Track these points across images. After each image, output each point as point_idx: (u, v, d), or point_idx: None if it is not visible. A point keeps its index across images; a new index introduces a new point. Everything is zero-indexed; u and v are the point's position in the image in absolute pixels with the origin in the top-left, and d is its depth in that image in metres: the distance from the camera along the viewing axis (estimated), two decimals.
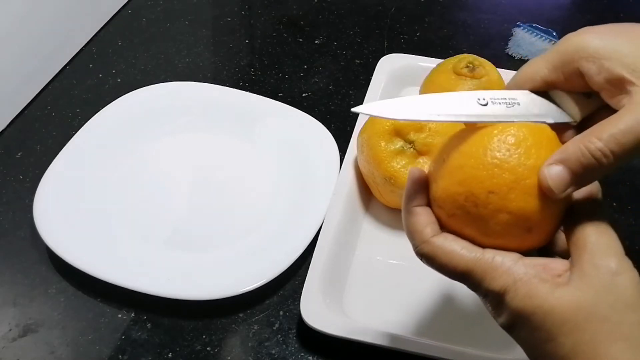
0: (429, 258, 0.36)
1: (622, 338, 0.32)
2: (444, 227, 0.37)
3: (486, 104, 0.37)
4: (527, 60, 0.76)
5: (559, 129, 0.38)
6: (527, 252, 0.36)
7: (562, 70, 0.37)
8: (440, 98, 0.37)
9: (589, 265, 0.33)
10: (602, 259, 0.33)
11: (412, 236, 0.37)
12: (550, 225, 0.36)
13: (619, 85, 0.35)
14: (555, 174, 0.34)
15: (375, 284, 0.54)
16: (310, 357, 0.50)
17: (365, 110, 0.37)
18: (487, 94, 0.38)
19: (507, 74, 0.64)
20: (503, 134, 0.36)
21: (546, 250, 0.38)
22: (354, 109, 0.37)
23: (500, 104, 0.38)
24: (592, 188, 0.37)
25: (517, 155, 0.35)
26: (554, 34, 0.77)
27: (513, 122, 0.37)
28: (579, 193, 0.36)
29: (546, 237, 0.37)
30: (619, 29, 0.37)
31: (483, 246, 0.36)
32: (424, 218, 0.37)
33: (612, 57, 0.35)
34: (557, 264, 0.35)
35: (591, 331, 0.32)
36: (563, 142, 0.38)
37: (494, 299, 0.35)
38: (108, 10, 0.82)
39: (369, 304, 0.52)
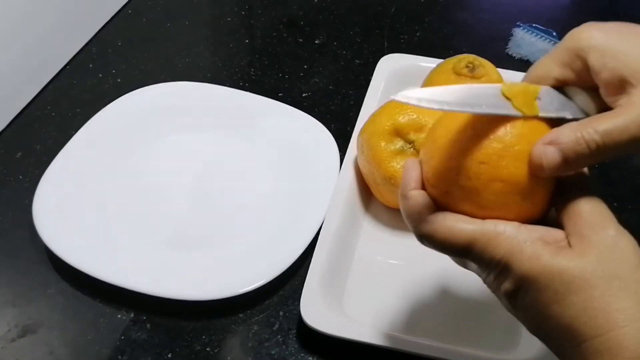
0: (429, 236, 0.36)
1: (632, 294, 0.32)
2: (440, 207, 0.37)
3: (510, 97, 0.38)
4: (527, 60, 0.77)
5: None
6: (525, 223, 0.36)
7: (572, 66, 0.38)
8: (468, 89, 0.37)
9: (588, 231, 0.34)
10: (599, 225, 0.34)
11: (410, 218, 0.37)
12: (544, 192, 0.36)
13: (619, 85, 0.35)
14: (550, 153, 0.35)
15: (375, 284, 0.54)
16: (310, 357, 0.50)
17: (402, 99, 0.37)
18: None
19: (507, 74, 0.64)
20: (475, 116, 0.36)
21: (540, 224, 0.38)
22: (393, 97, 0.37)
23: None
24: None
25: (503, 125, 0.36)
26: (554, 34, 0.77)
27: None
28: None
29: (542, 205, 0.37)
30: (624, 29, 0.37)
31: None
32: (420, 199, 0.37)
33: (617, 56, 0.35)
34: (556, 232, 0.35)
35: (602, 287, 0.32)
36: None
37: (498, 265, 0.35)
38: (108, 10, 0.82)
39: (369, 304, 0.52)
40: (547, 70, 0.38)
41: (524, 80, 0.40)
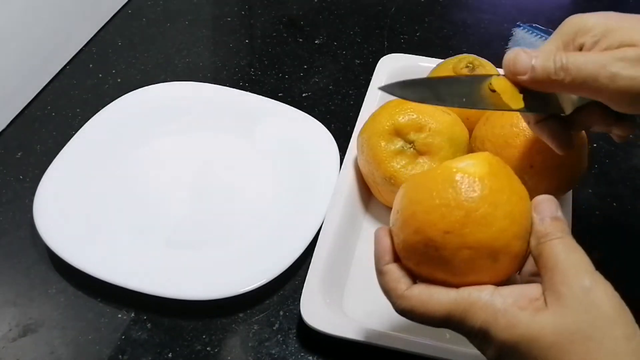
0: (408, 312, 0.37)
1: (608, 354, 0.32)
2: (417, 278, 0.38)
3: (495, 90, 0.40)
4: None
5: (548, 117, 0.41)
6: (502, 283, 0.36)
7: (566, 50, 0.40)
8: (456, 81, 0.41)
9: (563, 286, 0.34)
10: (574, 277, 0.34)
11: (388, 295, 0.38)
12: (515, 248, 0.36)
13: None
14: (523, 57, 0.39)
15: (375, 284, 0.54)
16: (310, 357, 0.50)
17: (389, 90, 0.41)
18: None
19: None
20: (445, 174, 0.37)
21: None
22: (380, 88, 0.41)
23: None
24: (554, 209, 0.37)
25: (462, 191, 0.36)
26: None
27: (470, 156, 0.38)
28: (541, 214, 0.37)
29: (515, 262, 0.37)
30: (618, 14, 0.39)
31: (458, 287, 0.36)
32: (395, 274, 0.38)
33: (609, 31, 0.38)
34: (532, 289, 0.35)
35: (577, 352, 0.32)
36: (559, 142, 0.42)
37: (478, 335, 0.35)
38: (108, 10, 0.82)
39: (369, 304, 0.52)
40: (550, 49, 0.40)
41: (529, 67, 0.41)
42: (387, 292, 0.38)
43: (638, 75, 0.36)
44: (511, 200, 0.36)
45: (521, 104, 0.40)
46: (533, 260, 0.36)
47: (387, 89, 0.41)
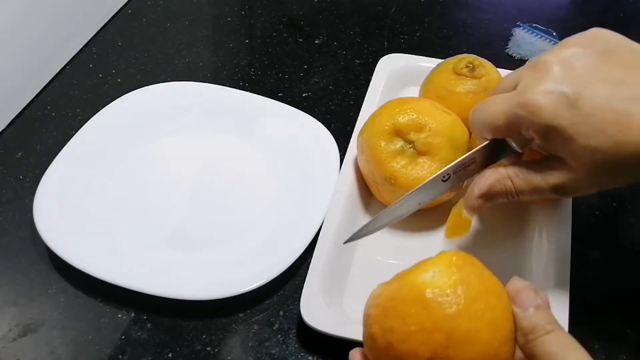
0: None
1: None
2: None
3: (448, 178, 0.48)
4: (527, 60, 0.76)
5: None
6: None
7: (515, 130, 0.45)
8: (415, 194, 0.48)
9: None
10: None
11: None
12: (504, 355, 0.34)
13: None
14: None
15: (375, 284, 0.54)
16: (310, 357, 0.50)
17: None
18: (449, 168, 0.48)
19: (507, 74, 0.64)
20: (414, 293, 0.35)
21: None
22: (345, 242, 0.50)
23: (461, 170, 0.48)
24: (533, 297, 0.36)
25: (437, 310, 0.34)
26: (554, 34, 0.77)
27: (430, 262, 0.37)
28: (522, 306, 0.35)
29: None
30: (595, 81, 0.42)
31: None
32: None
33: (558, 140, 0.42)
34: None
35: None
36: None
37: None
38: (108, 10, 0.82)
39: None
40: (493, 121, 0.46)
41: (474, 120, 0.48)
42: None
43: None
44: (489, 304, 0.34)
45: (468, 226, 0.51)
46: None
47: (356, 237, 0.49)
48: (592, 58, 0.42)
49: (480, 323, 0.33)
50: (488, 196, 0.46)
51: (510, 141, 0.47)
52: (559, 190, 0.44)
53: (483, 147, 0.48)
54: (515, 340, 0.35)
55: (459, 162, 0.48)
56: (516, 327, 0.35)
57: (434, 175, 0.48)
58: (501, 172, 0.46)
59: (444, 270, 0.35)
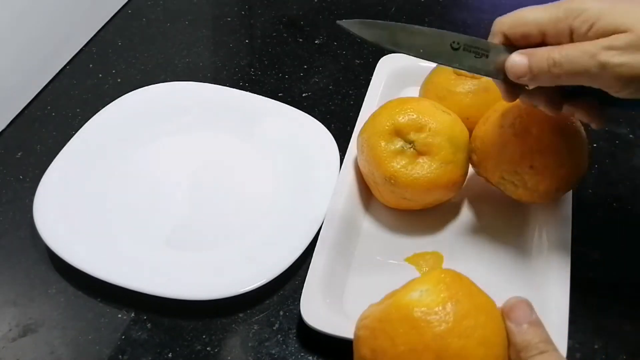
0: None
1: None
2: None
3: (458, 49, 0.43)
4: None
5: (512, 84, 0.43)
6: None
7: (557, 24, 0.41)
8: (419, 31, 0.42)
9: None
10: None
11: None
12: None
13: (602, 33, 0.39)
14: (519, 60, 0.41)
15: (375, 284, 0.54)
16: (310, 357, 0.50)
17: (347, 25, 0.42)
18: (463, 39, 0.43)
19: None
20: (402, 312, 0.34)
21: None
22: (339, 22, 0.42)
23: (470, 51, 0.43)
24: (528, 313, 0.35)
25: (425, 330, 0.33)
26: None
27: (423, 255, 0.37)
28: (516, 321, 0.35)
29: None
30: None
31: None
32: None
33: (602, 14, 0.39)
34: None
35: None
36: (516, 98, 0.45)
37: None
38: (108, 10, 0.82)
39: (369, 304, 0.52)
40: (537, 17, 0.42)
41: (508, 16, 0.44)
42: None
43: (626, 61, 0.38)
44: (479, 321, 0.33)
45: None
46: None
47: (347, 24, 0.41)
48: None
49: (471, 341, 0.33)
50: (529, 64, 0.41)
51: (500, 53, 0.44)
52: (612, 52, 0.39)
53: (499, 45, 0.44)
54: (509, 358, 0.34)
55: (473, 38, 0.44)
56: (509, 343, 0.34)
57: (443, 32, 0.43)
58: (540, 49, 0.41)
59: (431, 289, 0.34)
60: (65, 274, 0.54)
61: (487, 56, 0.43)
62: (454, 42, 0.42)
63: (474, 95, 0.61)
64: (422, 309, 0.33)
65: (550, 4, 0.42)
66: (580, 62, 0.39)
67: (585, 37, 0.40)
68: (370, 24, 0.41)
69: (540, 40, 0.42)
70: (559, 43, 0.41)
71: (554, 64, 0.40)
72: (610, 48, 0.38)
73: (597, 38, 0.39)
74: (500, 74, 0.44)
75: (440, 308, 0.33)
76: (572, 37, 0.41)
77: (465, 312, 0.33)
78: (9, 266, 0.56)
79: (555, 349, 0.34)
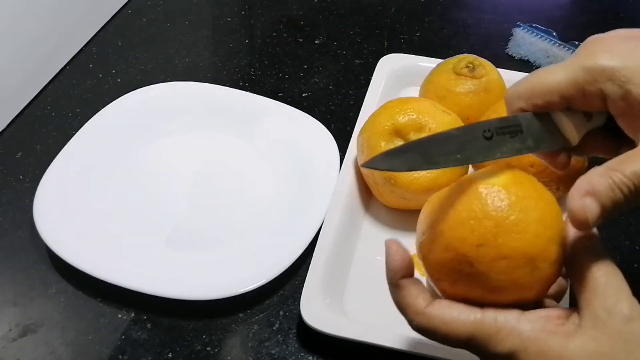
0: (427, 330, 0.35)
1: None
2: (450, 298, 0.36)
3: (491, 137, 0.37)
4: (527, 60, 0.77)
5: (554, 154, 0.38)
6: (542, 295, 0.35)
7: (585, 88, 0.35)
8: (447, 137, 0.36)
9: (602, 311, 0.32)
10: (614, 303, 0.32)
11: (405, 310, 0.36)
12: (553, 254, 0.34)
13: None
14: (591, 205, 0.32)
15: (375, 284, 0.54)
16: (310, 357, 0.50)
17: (373, 165, 0.36)
18: (493, 124, 0.37)
19: (507, 74, 0.64)
20: (467, 188, 0.35)
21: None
22: (363, 165, 0.37)
23: (504, 134, 0.37)
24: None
25: (488, 201, 0.34)
26: (554, 34, 0.77)
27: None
28: (574, 230, 0.34)
29: (554, 268, 0.35)
30: (632, 39, 0.35)
31: (497, 305, 0.34)
32: (413, 290, 0.35)
33: (633, 80, 0.33)
34: (558, 312, 0.33)
35: None
36: (556, 162, 0.39)
37: (505, 358, 0.33)
38: (108, 10, 0.82)
39: (369, 304, 0.52)
40: (557, 82, 0.36)
41: (527, 86, 0.38)
42: (404, 308, 0.36)
43: None
44: (539, 205, 0.35)
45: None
46: (567, 277, 0.35)
47: (373, 163, 0.36)
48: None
49: (529, 216, 0.34)
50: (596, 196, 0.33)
51: (562, 118, 0.38)
52: None
53: (528, 114, 0.38)
54: (564, 250, 0.35)
55: (501, 119, 0.38)
56: (565, 240, 0.35)
57: (470, 126, 0.38)
58: (599, 170, 0.34)
59: (498, 172, 0.36)
60: (65, 274, 0.54)
61: (521, 131, 0.38)
62: (485, 132, 0.37)
63: (474, 95, 0.61)
64: (488, 186, 0.35)
65: (564, 64, 0.36)
66: None
67: (623, 105, 0.34)
68: (395, 152, 0.36)
69: (564, 105, 0.37)
70: (588, 107, 0.36)
71: (628, 190, 0.32)
72: None
73: (634, 110, 0.34)
74: (542, 144, 0.38)
75: (505, 187, 0.35)
76: (605, 102, 0.35)
77: (527, 194, 0.35)
78: (9, 266, 0.56)
79: (610, 258, 0.34)
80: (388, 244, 0.37)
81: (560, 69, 0.36)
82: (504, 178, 0.35)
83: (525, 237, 0.33)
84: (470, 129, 0.37)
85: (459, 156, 0.36)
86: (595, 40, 0.36)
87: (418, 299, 0.35)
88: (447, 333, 0.34)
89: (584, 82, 0.35)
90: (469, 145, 0.36)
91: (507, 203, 0.34)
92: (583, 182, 0.33)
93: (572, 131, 0.38)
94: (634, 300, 0.32)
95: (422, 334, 0.35)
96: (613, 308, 0.31)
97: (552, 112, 0.38)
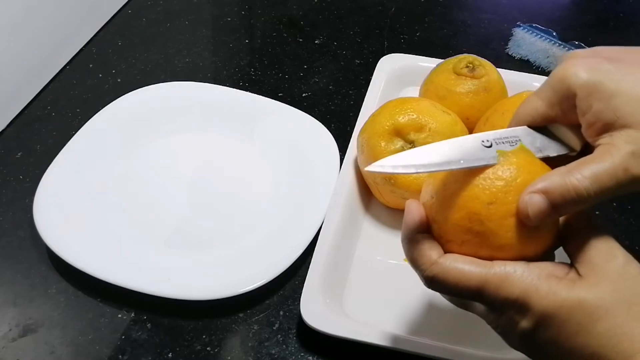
0: (439, 279, 0.36)
1: None
2: None
3: (490, 146, 0.38)
4: (527, 60, 0.77)
5: (560, 161, 0.38)
6: (545, 254, 0.37)
7: (561, 106, 0.38)
8: (445, 145, 0.37)
9: (599, 260, 0.34)
10: (609, 251, 0.34)
11: (419, 261, 0.37)
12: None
13: (603, 127, 0.36)
14: (536, 202, 0.35)
15: (375, 284, 0.54)
16: (310, 357, 0.50)
17: (377, 169, 0.38)
18: (490, 135, 0.38)
19: (507, 74, 0.65)
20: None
21: None
22: (367, 168, 0.39)
23: (504, 143, 0.38)
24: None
25: (498, 165, 0.36)
26: (554, 34, 0.77)
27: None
28: None
29: (556, 229, 0.37)
30: (614, 62, 0.37)
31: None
32: (427, 243, 0.37)
33: (602, 98, 0.35)
34: (561, 266, 0.35)
35: (622, 314, 0.33)
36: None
37: (514, 304, 0.35)
38: (108, 10, 0.82)
39: (369, 304, 0.52)
40: (534, 108, 0.39)
41: (513, 118, 0.40)
42: (417, 259, 0.37)
43: None
44: (544, 171, 0.37)
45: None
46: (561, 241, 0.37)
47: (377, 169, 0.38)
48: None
49: (536, 179, 0.35)
50: (549, 197, 0.35)
51: (560, 128, 0.39)
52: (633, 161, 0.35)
53: (523, 127, 0.40)
54: None
55: (496, 132, 0.39)
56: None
57: (473, 136, 0.39)
58: (561, 170, 0.36)
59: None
60: (65, 274, 0.54)
61: (520, 141, 0.39)
62: (483, 141, 0.38)
63: (474, 95, 0.61)
64: (497, 165, 0.37)
65: (542, 87, 0.39)
66: (610, 184, 0.35)
67: (587, 117, 0.36)
68: (406, 159, 0.37)
69: (552, 121, 0.39)
70: (569, 121, 0.38)
71: (584, 192, 0.34)
72: (635, 155, 0.34)
73: (599, 121, 0.35)
74: (546, 150, 0.39)
75: (512, 153, 0.37)
76: (575, 112, 0.37)
77: (533, 161, 0.37)
78: (9, 266, 0.56)
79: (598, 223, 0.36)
80: (408, 203, 0.39)
81: (535, 94, 0.39)
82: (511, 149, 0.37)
83: None
84: (467, 138, 0.38)
85: (462, 162, 0.37)
86: (563, 64, 0.38)
87: (432, 251, 0.37)
88: (459, 281, 0.36)
89: (559, 100, 0.38)
90: (472, 151, 0.37)
91: (515, 166, 0.36)
92: (539, 180, 0.35)
93: (572, 138, 0.39)
94: (627, 252, 0.35)
95: (434, 286, 0.37)
96: (609, 256, 0.34)
97: (549, 125, 0.39)
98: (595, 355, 0.33)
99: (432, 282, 0.37)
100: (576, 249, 0.35)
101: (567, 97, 0.37)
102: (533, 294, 0.34)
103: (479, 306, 0.37)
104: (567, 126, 0.39)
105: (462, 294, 0.36)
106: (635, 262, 0.34)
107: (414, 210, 0.38)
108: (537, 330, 0.34)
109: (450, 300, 0.40)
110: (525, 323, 0.34)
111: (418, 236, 0.38)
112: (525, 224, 0.35)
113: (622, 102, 0.35)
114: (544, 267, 0.35)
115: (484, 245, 0.36)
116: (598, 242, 0.35)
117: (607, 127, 0.35)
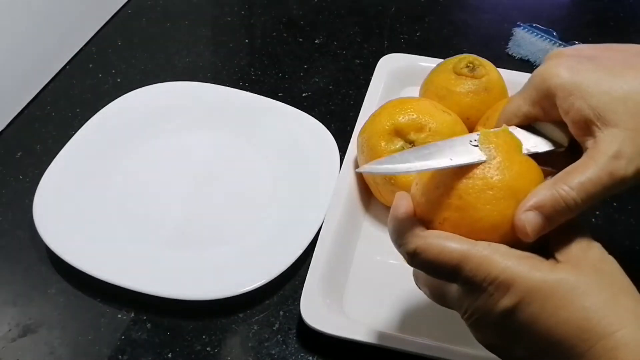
0: (420, 251, 0.36)
1: (633, 295, 0.34)
2: None
3: (477, 145, 0.38)
4: (527, 60, 0.77)
5: (551, 157, 0.40)
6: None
7: (542, 105, 0.39)
8: (436, 147, 0.38)
9: (577, 250, 0.35)
10: (587, 246, 0.35)
11: (400, 235, 0.37)
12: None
13: (586, 126, 0.36)
14: (532, 219, 0.35)
15: (375, 284, 0.54)
16: (310, 357, 0.50)
17: (369, 169, 0.38)
18: (474, 136, 0.39)
19: (507, 74, 0.64)
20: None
21: None
22: (358, 170, 0.40)
23: None
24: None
25: (479, 145, 0.38)
26: (554, 34, 0.77)
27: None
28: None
29: None
30: (595, 61, 0.38)
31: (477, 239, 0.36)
32: (410, 220, 0.38)
33: (583, 97, 0.36)
34: (541, 257, 0.36)
35: (607, 290, 0.33)
36: (555, 164, 0.40)
37: (494, 281, 0.34)
38: (108, 10, 0.82)
39: (369, 304, 0.52)
40: (517, 107, 0.40)
41: (499, 119, 0.41)
42: (399, 231, 0.37)
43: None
44: (522, 158, 0.38)
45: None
46: None
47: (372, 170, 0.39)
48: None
49: (514, 160, 0.37)
50: (542, 210, 0.35)
51: (545, 125, 0.40)
52: (616, 165, 0.35)
53: (513, 126, 0.41)
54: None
55: (483, 131, 0.40)
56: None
57: (462, 137, 0.40)
58: (548, 183, 0.36)
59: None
60: (65, 274, 0.54)
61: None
62: (471, 141, 0.39)
63: (474, 95, 0.61)
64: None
65: (524, 87, 0.40)
66: (596, 191, 0.35)
67: (570, 115, 0.37)
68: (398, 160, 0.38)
69: (535, 119, 0.40)
70: (551, 119, 0.39)
71: (573, 202, 0.35)
72: (618, 157, 0.35)
73: (581, 120, 0.36)
74: (534, 147, 0.40)
75: (493, 137, 0.38)
76: (557, 110, 0.38)
77: (514, 146, 0.38)
78: (9, 266, 0.56)
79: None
80: (396, 194, 0.39)
81: (519, 94, 0.40)
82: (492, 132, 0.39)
83: (509, 174, 0.37)
84: (458, 140, 0.39)
85: (451, 159, 0.38)
86: (544, 65, 0.39)
87: (414, 225, 0.37)
88: (439, 254, 0.36)
89: (539, 99, 0.39)
90: (461, 148, 0.38)
91: (495, 147, 0.37)
92: (530, 196, 0.36)
93: (559, 135, 0.39)
94: (600, 245, 0.36)
95: (415, 260, 0.37)
96: (587, 249, 0.35)
97: (535, 123, 0.40)
98: (579, 329, 0.33)
99: (414, 255, 0.36)
100: (555, 243, 0.36)
101: (548, 97, 0.38)
102: (515, 270, 0.34)
103: (455, 291, 0.37)
104: (554, 123, 0.39)
105: (441, 269, 0.36)
106: (610, 256, 0.35)
107: (401, 197, 0.39)
108: (518, 308, 0.34)
109: (429, 289, 0.40)
110: (505, 301, 0.34)
111: (402, 214, 0.38)
112: (504, 196, 0.36)
113: (602, 101, 0.36)
114: (524, 253, 0.35)
115: (463, 222, 0.36)
116: (577, 236, 0.36)
117: (591, 125, 0.36)
